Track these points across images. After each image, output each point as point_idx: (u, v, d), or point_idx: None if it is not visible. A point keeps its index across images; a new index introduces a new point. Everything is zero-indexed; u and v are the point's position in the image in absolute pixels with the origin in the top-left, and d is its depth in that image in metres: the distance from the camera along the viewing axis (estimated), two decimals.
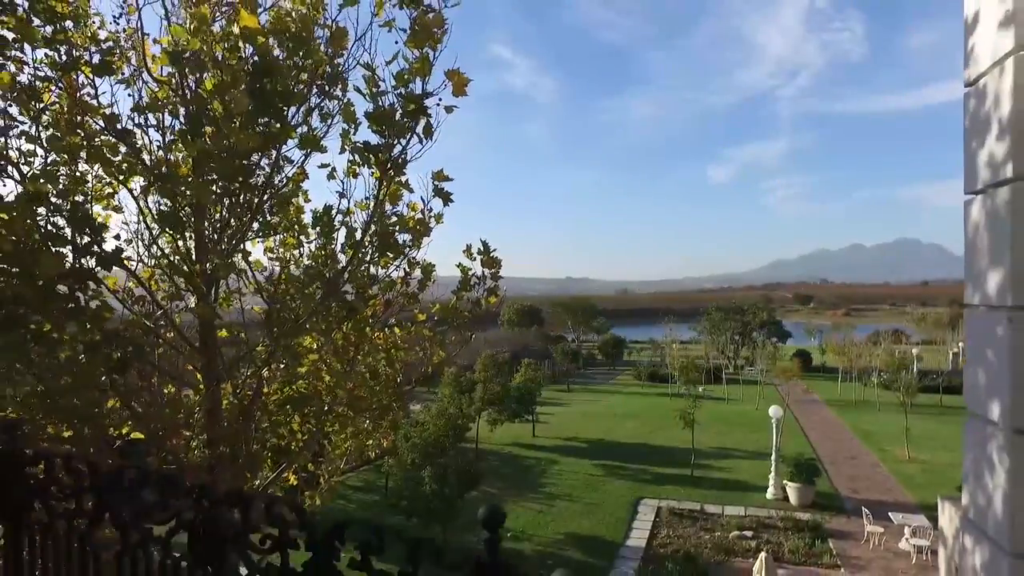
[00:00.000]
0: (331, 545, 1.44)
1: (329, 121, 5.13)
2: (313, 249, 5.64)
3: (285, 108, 4.79)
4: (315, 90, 4.99)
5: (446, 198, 5.50)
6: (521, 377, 28.04)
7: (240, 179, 4.73)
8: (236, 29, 4.53)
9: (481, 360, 26.54)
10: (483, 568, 1.38)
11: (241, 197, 4.90)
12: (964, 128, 2.98)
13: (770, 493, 18.65)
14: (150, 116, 4.65)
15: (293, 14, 4.90)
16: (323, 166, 5.34)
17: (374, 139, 5.15)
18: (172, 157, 4.86)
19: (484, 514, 1.43)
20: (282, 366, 5.77)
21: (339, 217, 5.42)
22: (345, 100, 5.13)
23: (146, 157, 4.65)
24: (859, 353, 40.76)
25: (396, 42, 4.90)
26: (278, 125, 4.79)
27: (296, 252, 5.83)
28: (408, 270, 5.93)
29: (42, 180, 4.18)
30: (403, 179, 5.43)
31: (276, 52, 4.79)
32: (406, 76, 4.90)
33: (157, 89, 4.69)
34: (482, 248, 6.07)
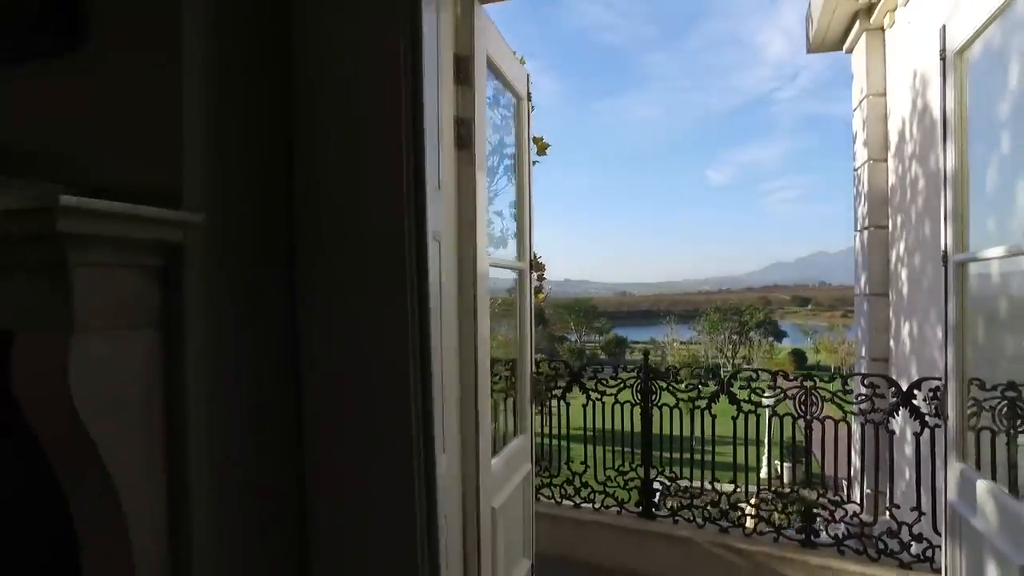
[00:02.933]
0: (580, 373, 3.65)
1: None
2: None
3: None
4: None
5: None
6: None
7: None
8: None
9: None
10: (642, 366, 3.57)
11: None
12: (853, 194, 5.24)
13: (763, 473, 20.95)
14: None
15: None
16: None
17: None
18: None
19: (642, 355, 3.61)
20: None
21: None
22: None
23: None
24: (850, 351, 43.04)
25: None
26: None
27: None
28: None
29: None
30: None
31: None
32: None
33: None
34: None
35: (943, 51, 2.29)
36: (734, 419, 3.21)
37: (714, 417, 3.30)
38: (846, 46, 5.26)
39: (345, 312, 1.61)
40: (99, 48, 1.48)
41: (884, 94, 4.73)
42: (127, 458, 1.30)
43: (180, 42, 1.39)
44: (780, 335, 61.66)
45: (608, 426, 3.56)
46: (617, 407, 3.54)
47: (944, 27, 2.30)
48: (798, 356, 49.95)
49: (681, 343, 53.92)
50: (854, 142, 5.22)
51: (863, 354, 4.93)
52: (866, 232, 4.88)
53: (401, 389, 1.55)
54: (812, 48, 5.62)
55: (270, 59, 1.67)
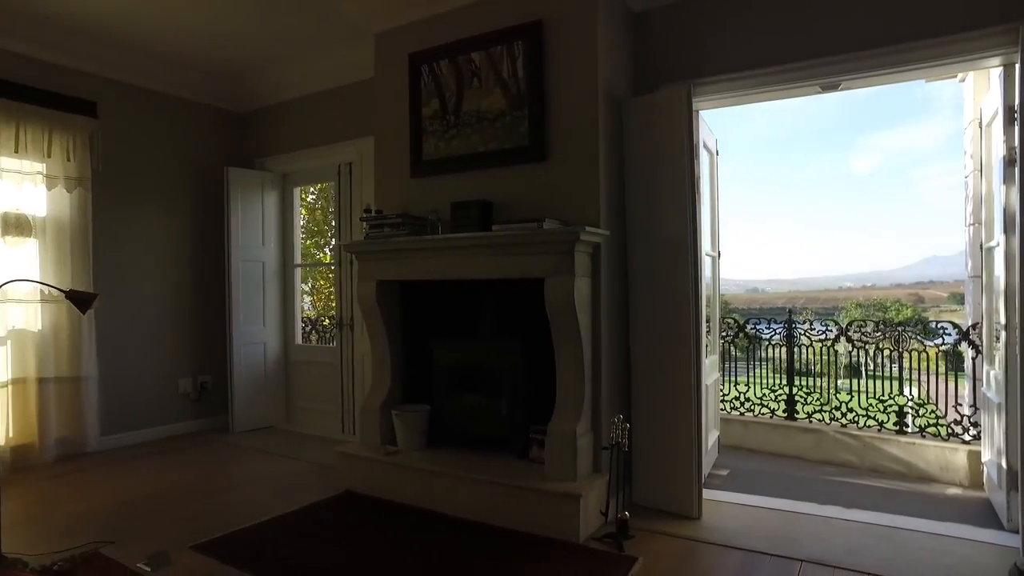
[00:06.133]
0: (744, 326, 5.42)
1: None
2: None
3: None
4: None
5: None
6: None
7: None
8: None
9: None
10: (788, 319, 5.31)
11: None
12: (963, 196, 6.52)
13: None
14: None
15: None
16: None
17: None
18: None
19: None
20: None
21: None
22: None
23: None
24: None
25: None
26: None
27: None
28: None
29: None
30: None
31: None
32: None
33: None
34: None
35: (980, 121, 3.87)
36: (849, 353, 4.85)
37: (836, 352, 4.96)
38: (959, 78, 6.55)
39: (652, 277, 3.57)
40: (553, 161, 3.54)
41: None
42: (584, 327, 3.33)
43: (598, 158, 3.41)
44: (929, 334, 57.68)
45: (762, 360, 5.29)
46: (769, 347, 5.28)
47: (981, 108, 3.88)
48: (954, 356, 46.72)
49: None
50: (964, 155, 6.51)
51: (968, 322, 6.26)
52: (971, 227, 6.20)
53: (686, 317, 3.49)
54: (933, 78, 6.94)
55: (618, 155, 3.68)
